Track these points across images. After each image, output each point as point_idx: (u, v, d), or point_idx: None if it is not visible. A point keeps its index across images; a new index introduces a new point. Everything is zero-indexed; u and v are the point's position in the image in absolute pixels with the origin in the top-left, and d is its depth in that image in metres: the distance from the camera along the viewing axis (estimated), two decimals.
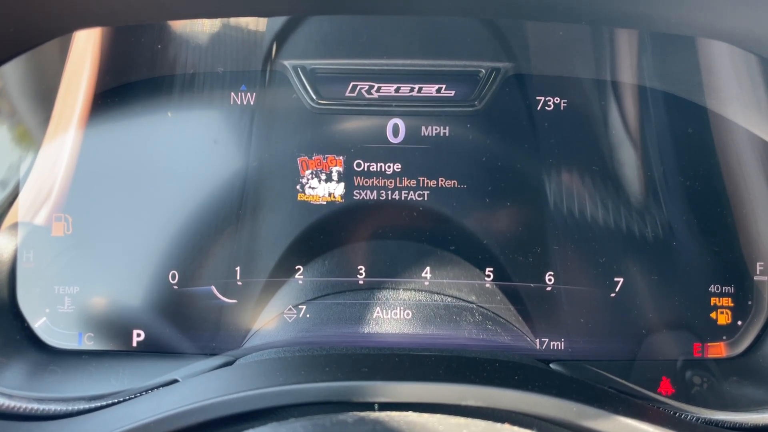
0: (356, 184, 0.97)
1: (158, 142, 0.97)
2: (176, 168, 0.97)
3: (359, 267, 0.97)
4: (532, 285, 0.97)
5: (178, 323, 0.96)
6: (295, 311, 0.97)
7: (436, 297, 0.97)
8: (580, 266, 0.97)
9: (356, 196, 0.97)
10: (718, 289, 0.96)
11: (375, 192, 0.97)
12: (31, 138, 0.95)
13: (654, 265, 0.97)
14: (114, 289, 0.96)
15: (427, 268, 0.97)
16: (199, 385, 0.74)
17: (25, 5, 0.70)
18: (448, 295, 0.97)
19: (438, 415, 0.64)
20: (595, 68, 0.98)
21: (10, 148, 0.94)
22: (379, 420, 0.62)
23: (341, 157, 0.97)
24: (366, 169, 0.97)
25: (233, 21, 0.97)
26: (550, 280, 0.97)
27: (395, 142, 0.97)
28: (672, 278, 0.96)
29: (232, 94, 0.97)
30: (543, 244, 0.97)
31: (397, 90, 0.97)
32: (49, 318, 0.96)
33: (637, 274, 0.97)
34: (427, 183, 0.97)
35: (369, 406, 0.65)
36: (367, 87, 0.97)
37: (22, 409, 0.76)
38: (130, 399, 0.77)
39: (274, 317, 0.97)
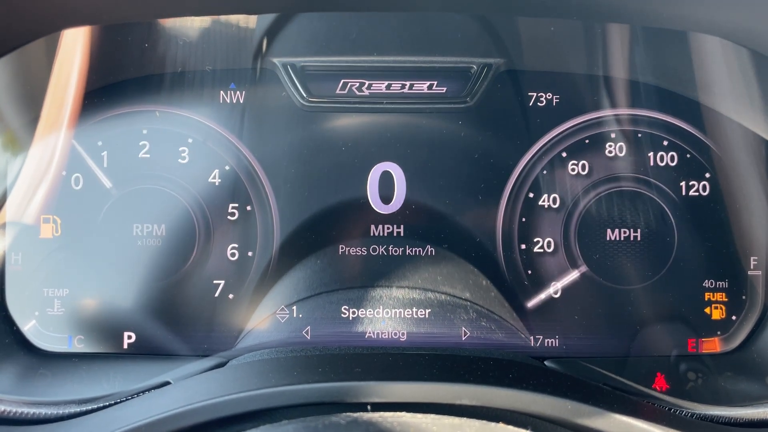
0: None
1: (147, 141, 0.96)
2: (165, 167, 0.96)
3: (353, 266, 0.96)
4: (526, 282, 0.97)
5: (170, 324, 0.95)
6: (287, 311, 0.96)
7: (429, 294, 0.96)
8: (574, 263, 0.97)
9: None
10: (712, 284, 0.96)
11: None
12: (19, 139, 0.94)
13: (648, 260, 0.96)
14: (104, 290, 0.95)
15: (420, 266, 0.97)
16: (191, 387, 0.74)
17: (10, 3, 0.69)
18: (442, 293, 0.96)
19: (432, 415, 0.63)
20: (588, 63, 0.97)
21: None
22: (372, 421, 0.62)
23: None
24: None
25: (222, 18, 0.96)
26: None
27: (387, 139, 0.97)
28: (666, 274, 0.96)
29: (221, 92, 0.97)
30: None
31: (389, 87, 0.97)
32: (39, 321, 0.95)
33: (631, 269, 0.96)
34: (420, 180, 0.97)
35: (362, 407, 0.65)
36: (357, 84, 0.97)
37: (11, 413, 0.75)
38: (121, 402, 0.76)
39: (266, 317, 0.96)
